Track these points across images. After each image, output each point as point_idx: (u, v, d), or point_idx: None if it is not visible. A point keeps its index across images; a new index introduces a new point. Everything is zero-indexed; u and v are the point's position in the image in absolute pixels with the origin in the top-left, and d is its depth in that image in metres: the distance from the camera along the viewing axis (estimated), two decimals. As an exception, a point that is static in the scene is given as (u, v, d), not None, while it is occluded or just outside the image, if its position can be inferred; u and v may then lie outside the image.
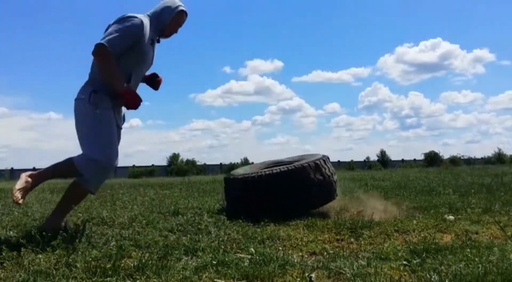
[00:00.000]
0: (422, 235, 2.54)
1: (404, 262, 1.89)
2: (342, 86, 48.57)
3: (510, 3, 46.70)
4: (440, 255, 1.99)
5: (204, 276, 1.76)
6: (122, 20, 2.49)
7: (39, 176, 2.57)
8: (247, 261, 1.94)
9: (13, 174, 26.82)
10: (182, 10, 2.71)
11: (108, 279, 1.70)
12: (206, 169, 30.37)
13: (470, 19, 52.49)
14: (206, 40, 51.65)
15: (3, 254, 2.07)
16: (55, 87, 47.89)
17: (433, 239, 2.36)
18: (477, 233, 2.61)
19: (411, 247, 2.17)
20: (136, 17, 2.50)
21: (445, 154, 33.25)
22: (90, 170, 2.48)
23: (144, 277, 1.73)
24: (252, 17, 53.50)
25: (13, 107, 49.36)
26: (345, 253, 2.12)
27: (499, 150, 34.38)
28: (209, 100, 48.29)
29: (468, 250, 2.06)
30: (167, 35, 2.77)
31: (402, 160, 35.57)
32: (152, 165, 31.53)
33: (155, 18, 2.65)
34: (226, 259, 1.95)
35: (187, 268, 1.85)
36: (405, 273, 1.75)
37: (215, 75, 50.44)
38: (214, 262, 1.91)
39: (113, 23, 2.50)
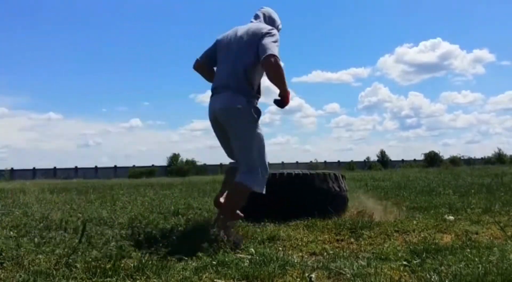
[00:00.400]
0: (422, 235, 2.54)
1: (404, 262, 1.89)
2: (342, 86, 48.58)
3: (510, 3, 46.73)
4: (440, 255, 1.99)
5: (204, 276, 1.76)
6: (273, 34, 2.55)
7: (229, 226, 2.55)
8: (247, 261, 1.94)
9: (13, 174, 26.83)
10: (280, 29, 2.82)
11: (108, 279, 1.70)
12: (206, 169, 30.37)
13: (470, 19, 52.52)
14: (206, 40, 51.62)
15: (3, 254, 2.07)
16: (55, 87, 47.91)
17: (433, 239, 2.36)
18: (477, 233, 2.61)
19: (411, 247, 2.17)
20: (275, 29, 2.62)
21: (445, 154, 33.28)
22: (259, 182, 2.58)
23: (144, 277, 1.73)
24: (251, 17, 53.49)
25: (13, 108, 49.41)
26: (345, 253, 2.12)
27: (499, 150, 34.43)
28: (209, 100, 48.25)
29: (468, 250, 2.06)
30: None
31: (402, 160, 35.59)
32: (152, 165, 31.55)
33: None
34: (226, 259, 1.95)
35: (187, 268, 1.85)
36: (405, 273, 1.75)
37: (215, 75, 50.39)
38: (214, 263, 1.91)
39: (264, 35, 2.53)
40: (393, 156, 36.60)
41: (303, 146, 47.35)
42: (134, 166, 31.24)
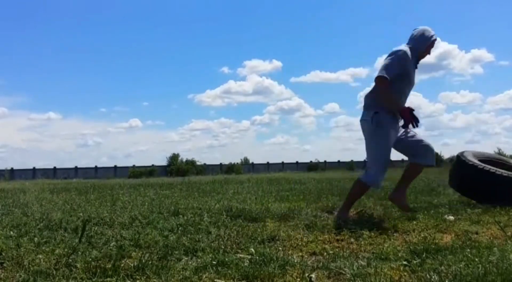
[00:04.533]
0: (422, 235, 2.54)
1: (404, 262, 1.89)
2: (341, 86, 48.54)
3: (509, 3, 46.63)
4: (440, 255, 1.99)
5: (204, 276, 1.76)
6: (391, 54, 3.11)
7: (345, 212, 3.19)
8: (247, 261, 1.94)
9: (13, 174, 26.82)
10: (435, 39, 3.26)
11: (108, 279, 1.70)
12: (206, 169, 30.36)
13: (468, 19, 52.45)
14: (205, 40, 51.61)
15: (3, 254, 2.07)
16: (54, 87, 47.94)
17: (433, 239, 2.36)
18: (477, 233, 2.61)
19: (411, 247, 2.17)
20: (400, 50, 3.11)
21: (445, 154, 33.21)
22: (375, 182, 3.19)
23: (144, 277, 1.73)
24: (250, 17, 53.48)
25: (12, 108, 49.41)
26: (345, 253, 2.12)
27: (499, 150, 34.39)
28: (208, 100, 48.21)
29: (468, 250, 2.06)
30: (421, 59, 3.33)
31: (402, 160, 35.53)
32: (152, 165, 31.54)
33: (413, 46, 3.21)
34: (226, 259, 1.95)
35: (187, 268, 1.85)
36: (405, 273, 1.75)
37: (214, 75, 50.43)
38: (214, 262, 1.91)
39: (386, 58, 3.11)
40: (393, 155, 36.48)
41: (302, 145, 47.38)
42: (134, 165, 31.22)
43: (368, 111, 3.16)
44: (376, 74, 3.05)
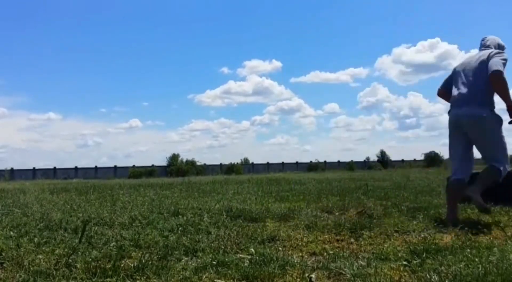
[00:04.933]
0: (422, 235, 2.54)
1: (404, 263, 1.89)
2: (340, 86, 48.47)
3: (509, 3, 46.61)
4: (440, 255, 1.99)
5: (204, 276, 1.76)
6: (501, 54, 3.16)
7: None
8: (247, 261, 1.94)
9: (13, 174, 26.81)
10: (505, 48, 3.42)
11: (108, 279, 1.70)
12: (206, 169, 30.36)
13: (468, 19, 52.40)
14: (205, 40, 51.57)
15: (3, 254, 2.07)
16: (54, 88, 47.87)
17: (433, 239, 2.36)
18: (477, 234, 2.61)
19: (411, 247, 2.17)
20: (504, 53, 3.22)
21: (445, 154, 33.21)
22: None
23: (144, 277, 1.73)
24: (250, 17, 53.46)
25: (12, 108, 49.41)
26: (345, 253, 2.12)
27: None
28: (208, 100, 48.09)
29: (468, 250, 2.06)
30: None
31: (402, 160, 35.56)
32: (152, 165, 31.55)
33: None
34: (226, 259, 1.95)
35: (187, 268, 1.85)
36: (405, 274, 1.75)
37: (214, 75, 50.39)
38: (214, 263, 1.91)
39: (493, 55, 3.12)
40: (393, 156, 36.58)
41: (302, 146, 47.35)
42: (134, 166, 31.23)
43: (481, 107, 3.14)
44: (493, 69, 3.01)
